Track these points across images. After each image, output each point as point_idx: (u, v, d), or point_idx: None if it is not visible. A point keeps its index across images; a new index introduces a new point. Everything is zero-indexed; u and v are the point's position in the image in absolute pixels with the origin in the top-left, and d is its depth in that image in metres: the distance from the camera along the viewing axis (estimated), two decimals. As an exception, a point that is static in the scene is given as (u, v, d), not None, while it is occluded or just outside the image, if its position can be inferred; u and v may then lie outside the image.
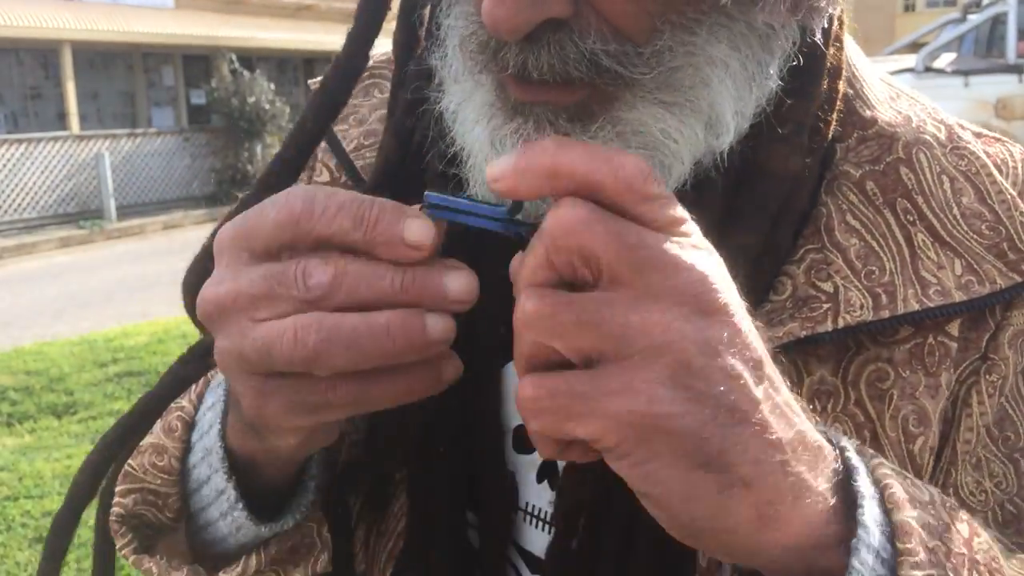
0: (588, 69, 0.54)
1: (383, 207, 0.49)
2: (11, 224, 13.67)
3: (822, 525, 0.46)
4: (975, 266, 0.63)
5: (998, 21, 8.44)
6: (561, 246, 0.44)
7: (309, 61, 19.71)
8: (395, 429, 0.68)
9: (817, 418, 0.53)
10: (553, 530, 0.65)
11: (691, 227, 0.45)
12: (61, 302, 8.58)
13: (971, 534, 0.51)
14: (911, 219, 0.64)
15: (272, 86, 16.56)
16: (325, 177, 0.77)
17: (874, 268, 0.62)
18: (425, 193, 0.50)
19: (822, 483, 0.47)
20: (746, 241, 0.61)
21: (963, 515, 0.52)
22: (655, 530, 0.47)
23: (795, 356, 0.60)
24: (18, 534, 3.91)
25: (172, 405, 0.67)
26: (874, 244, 0.63)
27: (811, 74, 0.64)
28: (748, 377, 0.44)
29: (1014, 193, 0.66)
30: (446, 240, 0.50)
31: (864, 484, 0.48)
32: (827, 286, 0.61)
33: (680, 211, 0.45)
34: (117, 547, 0.66)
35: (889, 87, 0.72)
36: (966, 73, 8.08)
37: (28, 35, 14.47)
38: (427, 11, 0.69)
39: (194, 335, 0.68)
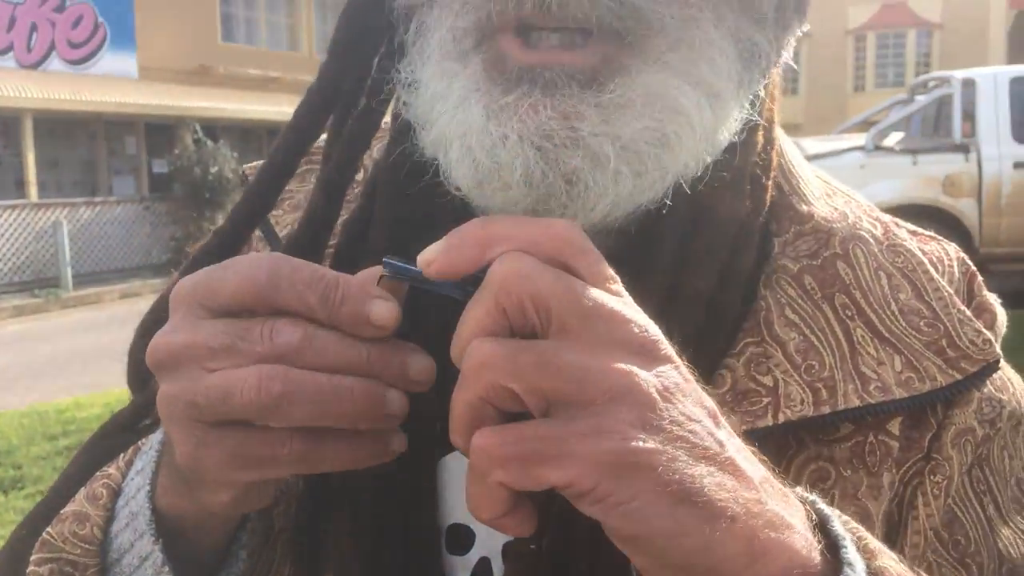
0: (619, 7, 0.54)
1: (348, 286, 0.49)
2: (-37, 292, 13.39)
3: (808, 559, 0.46)
4: (915, 363, 0.62)
5: (944, 102, 8.76)
6: (513, 292, 0.44)
7: (273, 132, 19.75)
8: (327, 522, 0.65)
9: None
10: None
11: (619, 285, 0.47)
12: (12, 372, 8.37)
13: None
14: (850, 314, 0.63)
15: (236, 156, 16.58)
16: None
17: (814, 363, 0.61)
18: (384, 260, 0.50)
19: (799, 522, 0.47)
20: (699, 286, 0.61)
21: None
22: None
23: None
24: (-44, 615, 3.74)
25: (98, 473, 0.65)
26: (813, 339, 0.62)
27: (750, 123, 0.64)
28: (707, 421, 0.45)
29: (951, 291, 0.65)
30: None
31: (840, 529, 0.48)
32: (767, 380, 0.60)
33: (610, 269, 0.47)
34: None
35: (825, 184, 0.73)
36: (914, 152, 8.33)
37: (-11, 103, 14.41)
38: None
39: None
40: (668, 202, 0.59)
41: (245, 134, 19.97)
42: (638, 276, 0.52)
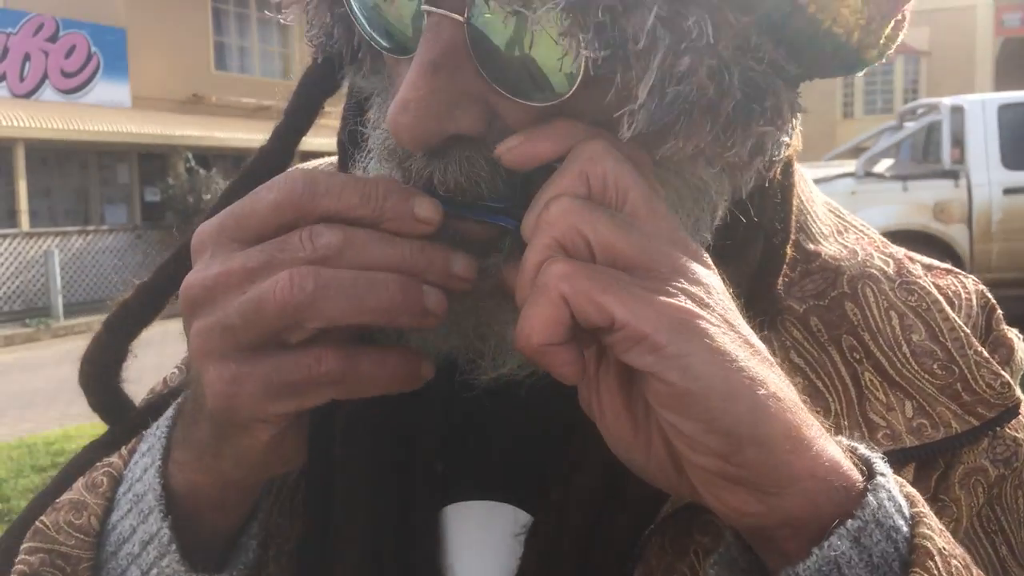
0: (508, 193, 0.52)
1: (389, 185, 0.50)
2: (-47, 322, 13.31)
3: (845, 464, 0.47)
4: (927, 408, 0.59)
5: (932, 129, 8.83)
6: (599, 164, 0.48)
7: (266, 160, 19.80)
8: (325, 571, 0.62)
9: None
10: None
11: None
12: (2, 403, 8.30)
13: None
14: (857, 357, 0.61)
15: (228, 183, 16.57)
16: None
17: (818, 408, 0.57)
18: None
19: (829, 437, 0.47)
20: None
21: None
22: None
23: None
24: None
25: (98, 463, 0.63)
26: (819, 383, 0.60)
27: (747, 233, 0.61)
28: (743, 321, 0.48)
29: (967, 330, 0.62)
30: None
31: (867, 451, 0.49)
32: None
33: None
34: None
35: (839, 220, 0.70)
36: (904, 178, 8.38)
37: (-19, 132, 14.42)
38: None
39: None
40: None
41: (238, 162, 19.93)
42: None
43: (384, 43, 0.55)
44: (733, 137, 0.51)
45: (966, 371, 0.60)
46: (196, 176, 16.40)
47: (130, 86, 17.08)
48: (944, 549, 0.46)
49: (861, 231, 0.70)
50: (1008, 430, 0.61)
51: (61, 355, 11.84)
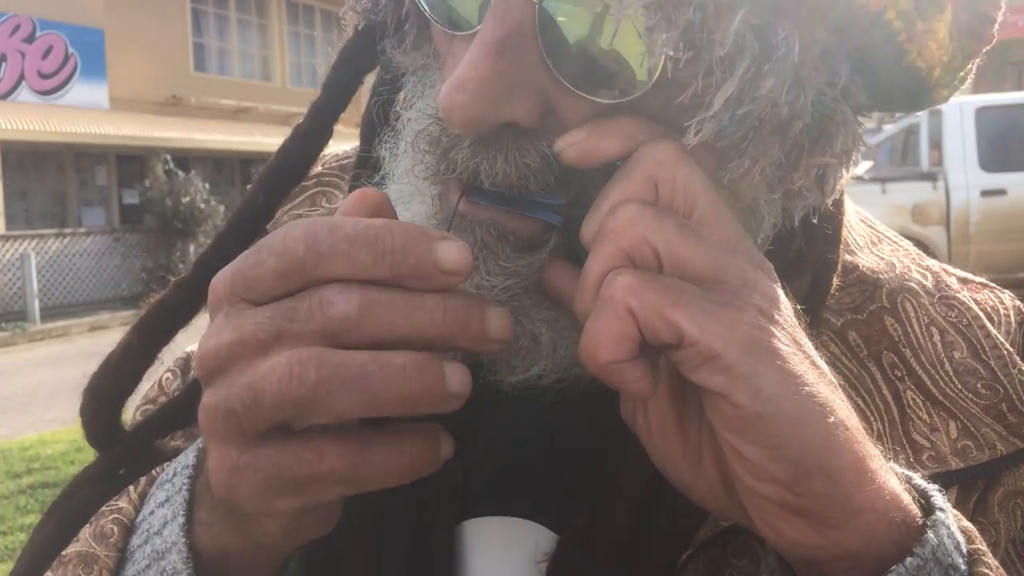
0: (554, 183, 0.49)
1: (406, 232, 0.42)
2: (-73, 325, 13.15)
3: (905, 498, 0.45)
4: (972, 429, 0.57)
5: (911, 132, 8.90)
6: (668, 169, 0.45)
7: (246, 162, 19.73)
8: None
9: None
10: None
11: None
12: (-24, 407, 8.20)
13: None
14: (899, 374, 0.58)
15: (207, 186, 16.49)
16: None
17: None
18: (467, 187, 0.49)
19: (888, 467, 0.46)
20: None
21: None
22: None
23: None
24: (-85, 660, 3.63)
25: (105, 507, 0.57)
26: (859, 401, 0.57)
27: (796, 265, 0.59)
28: (808, 340, 0.45)
29: (1010, 348, 0.60)
30: None
31: (923, 482, 0.48)
32: None
33: None
34: None
35: (872, 230, 0.68)
36: (883, 180, 8.45)
37: (-44, 134, 14.27)
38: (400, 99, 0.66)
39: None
40: None
41: (217, 164, 19.88)
42: None
43: (442, 17, 0.52)
44: (798, 164, 0.49)
45: (1011, 391, 0.58)
46: (175, 178, 16.27)
47: (108, 87, 16.92)
48: None
49: (895, 242, 0.67)
50: None
51: (38, 360, 11.71)
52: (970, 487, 0.56)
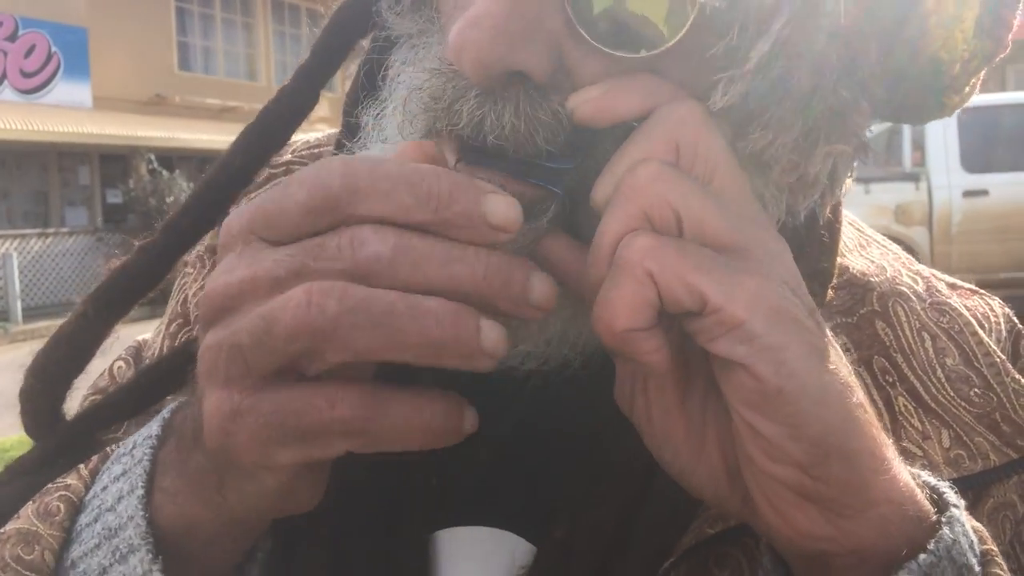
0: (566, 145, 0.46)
1: (453, 179, 0.39)
2: (-92, 326, 13.02)
3: (919, 493, 0.43)
4: (965, 438, 0.55)
5: (894, 132, 8.95)
6: (690, 132, 0.42)
7: (230, 162, 19.60)
8: None
9: None
10: None
11: None
12: (-42, 408, 8.13)
13: None
14: (890, 380, 0.57)
15: (192, 186, 16.38)
16: None
17: None
18: (463, 144, 0.46)
19: (901, 460, 0.44)
20: None
21: None
22: None
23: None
24: None
25: (50, 485, 0.52)
26: None
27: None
28: (827, 330, 0.43)
29: (1002, 356, 0.58)
30: None
31: (933, 480, 0.46)
32: None
33: None
34: None
35: (860, 233, 0.66)
36: (867, 181, 8.48)
37: (-63, 133, 14.13)
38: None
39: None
40: None
41: (202, 164, 19.76)
42: None
43: None
44: (815, 149, 0.47)
45: (1004, 399, 0.56)
46: (159, 178, 16.18)
47: (91, 86, 16.80)
48: None
49: (884, 246, 0.66)
50: None
51: (20, 360, 11.59)
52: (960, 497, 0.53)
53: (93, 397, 0.68)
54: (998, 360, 0.58)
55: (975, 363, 0.58)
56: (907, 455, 0.53)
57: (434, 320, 0.37)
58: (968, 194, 8.27)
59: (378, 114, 0.54)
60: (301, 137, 0.69)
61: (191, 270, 0.70)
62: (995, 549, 0.44)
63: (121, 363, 0.70)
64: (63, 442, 0.57)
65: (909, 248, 8.37)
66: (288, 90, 0.59)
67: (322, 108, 0.64)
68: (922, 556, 0.41)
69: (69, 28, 16.40)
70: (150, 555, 0.45)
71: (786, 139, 0.47)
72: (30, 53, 16.12)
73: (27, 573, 0.48)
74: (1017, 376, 0.58)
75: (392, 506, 0.54)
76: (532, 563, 0.54)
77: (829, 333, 0.43)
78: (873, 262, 0.62)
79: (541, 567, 0.53)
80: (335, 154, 0.63)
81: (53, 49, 16.27)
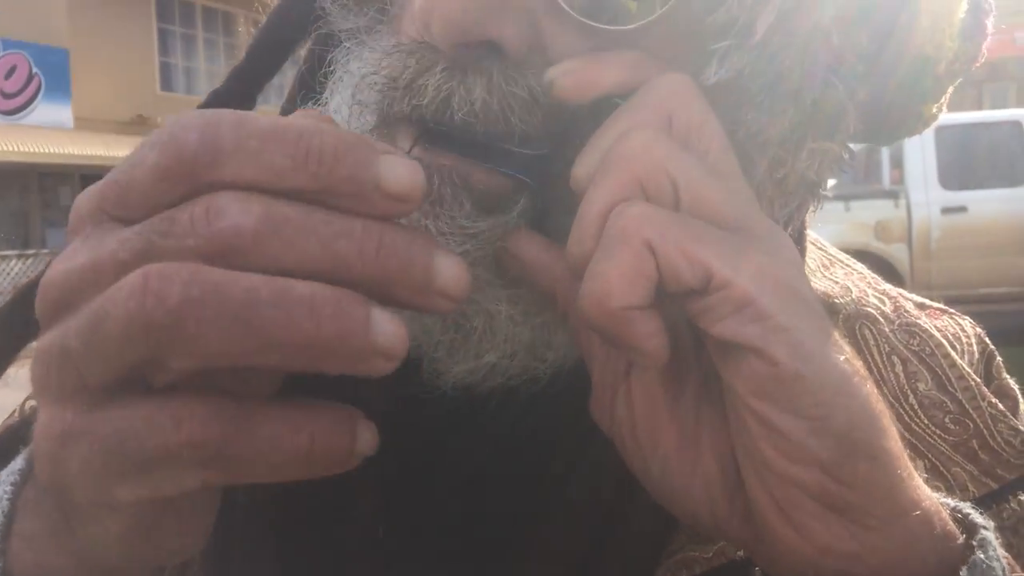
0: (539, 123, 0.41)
1: (339, 136, 0.31)
2: None
3: (943, 510, 0.38)
4: (942, 469, 0.51)
5: (872, 150, 9.03)
6: (684, 105, 0.38)
7: (213, 182, 19.54)
8: None
9: None
10: None
11: None
12: (-64, 431, 8.02)
13: None
14: None
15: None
16: None
17: None
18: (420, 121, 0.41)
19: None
20: None
21: None
22: None
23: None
24: None
25: None
26: None
27: None
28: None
29: (977, 378, 0.55)
30: None
31: (958, 502, 0.41)
32: None
33: None
34: None
35: (822, 253, 0.62)
36: (846, 198, 8.54)
37: (-84, 154, 14.03)
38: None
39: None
40: None
41: (184, 184, 19.69)
42: None
43: None
44: (803, 144, 0.44)
45: (981, 426, 0.52)
46: (141, 198, 16.12)
47: (72, 107, 16.73)
48: None
49: (848, 265, 0.62)
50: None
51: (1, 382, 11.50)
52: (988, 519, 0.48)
53: None
54: (972, 383, 0.54)
55: (949, 387, 0.54)
56: None
57: (307, 310, 0.29)
58: (947, 211, 8.35)
59: (321, 106, 0.49)
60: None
61: None
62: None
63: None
64: None
65: (889, 265, 8.45)
66: (219, 94, 0.53)
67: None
68: None
69: (51, 49, 16.34)
70: None
71: (777, 127, 0.43)
72: (11, 74, 16.05)
73: None
74: (993, 400, 0.54)
75: (329, 559, 0.47)
76: None
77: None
78: (837, 283, 0.58)
79: None
80: None
81: (34, 70, 16.21)
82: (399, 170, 0.32)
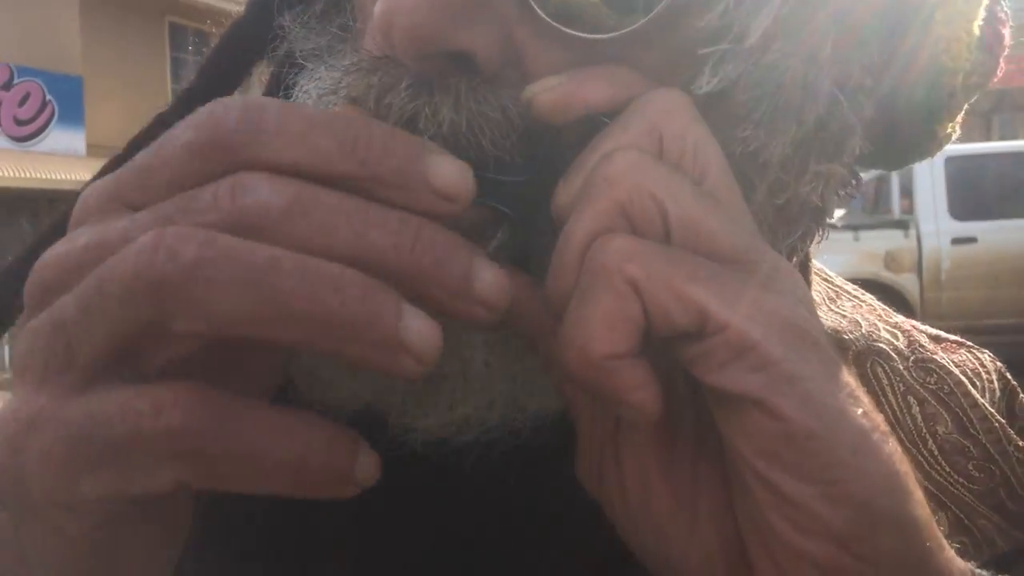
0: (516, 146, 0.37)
1: (388, 129, 0.31)
2: None
3: (953, 558, 0.34)
4: (966, 521, 0.47)
5: (883, 180, 9.03)
6: (677, 123, 0.34)
7: (223, 209, 19.66)
8: None
9: None
10: None
11: None
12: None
13: None
14: None
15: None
16: None
17: None
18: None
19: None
20: None
21: None
22: None
23: None
24: None
25: None
26: None
27: None
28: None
29: (1001, 419, 0.50)
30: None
31: (979, 571, 0.37)
32: None
33: None
34: None
35: (828, 284, 0.58)
36: (856, 228, 8.53)
37: (-71, 180, 14.17)
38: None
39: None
40: None
41: (194, 211, 19.83)
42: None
43: None
44: (806, 166, 0.39)
45: (1008, 472, 0.48)
46: (151, 224, 16.24)
47: (85, 134, 16.90)
48: None
49: (856, 297, 0.58)
50: None
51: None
52: None
53: None
54: (996, 425, 0.50)
55: (971, 430, 0.49)
56: None
57: (333, 285, 0.27)
58: (957, 241, 8.33)
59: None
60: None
61: None
62: None
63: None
64: None
65: (900, 295, 8.43)
66: (163, 118, 0.50)
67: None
68: None
69: (64, 77, 16.53)
70: None
71: (778, 147, 0.39)
72: (24, 101, 16.23)
73: None
74: (1020, 442, 0.50)
75: None
76: None
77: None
78: (845, 316, 0.54)
79: None
80: None
81: (48, 97, 16.39)
82: (449, 167, 0.31)
